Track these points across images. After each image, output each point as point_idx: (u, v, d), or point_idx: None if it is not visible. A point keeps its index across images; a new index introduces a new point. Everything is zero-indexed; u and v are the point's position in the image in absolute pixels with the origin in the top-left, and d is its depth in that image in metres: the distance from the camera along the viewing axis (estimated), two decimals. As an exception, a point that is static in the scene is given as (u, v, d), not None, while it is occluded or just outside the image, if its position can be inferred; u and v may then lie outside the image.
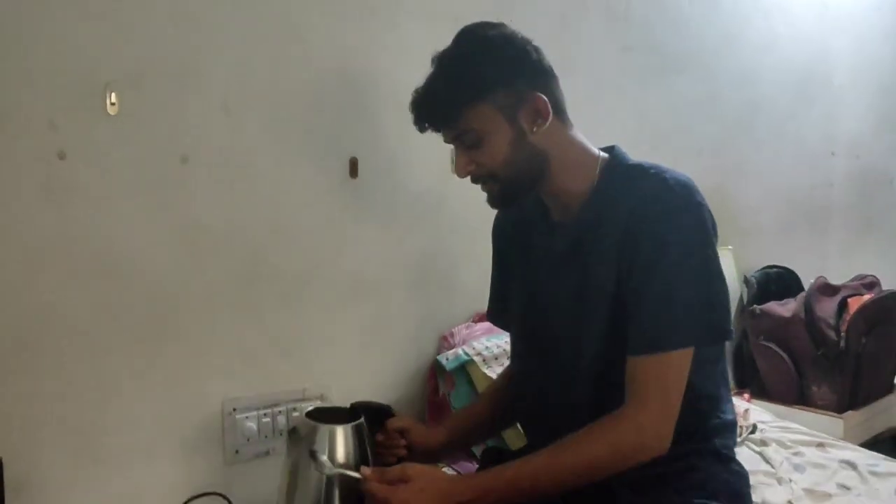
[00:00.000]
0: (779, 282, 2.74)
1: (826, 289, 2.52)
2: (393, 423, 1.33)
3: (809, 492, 1.67)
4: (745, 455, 1.80)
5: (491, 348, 1.74)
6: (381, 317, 1.77)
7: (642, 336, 1.11)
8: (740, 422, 1.93)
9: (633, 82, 2.32)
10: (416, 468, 1.12)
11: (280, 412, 1.60)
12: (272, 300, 1.59)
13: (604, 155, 1.24)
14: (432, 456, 1.36)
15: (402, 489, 1.08)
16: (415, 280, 1.82)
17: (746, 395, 2.39)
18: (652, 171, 1.16)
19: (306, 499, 1.19)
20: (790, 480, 1.71)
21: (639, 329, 1.11)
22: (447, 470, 1.61)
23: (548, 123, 1.17)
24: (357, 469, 1.14)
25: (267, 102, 1.55)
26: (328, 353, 1.68)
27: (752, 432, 1.99)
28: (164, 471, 1.48)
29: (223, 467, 1.55)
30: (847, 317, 2.39)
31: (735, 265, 2.68)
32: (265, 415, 1.58)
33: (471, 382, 1.74)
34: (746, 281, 2.69)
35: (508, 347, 1.46)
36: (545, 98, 1.16)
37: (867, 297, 2.46)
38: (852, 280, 2.68)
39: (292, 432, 1.25)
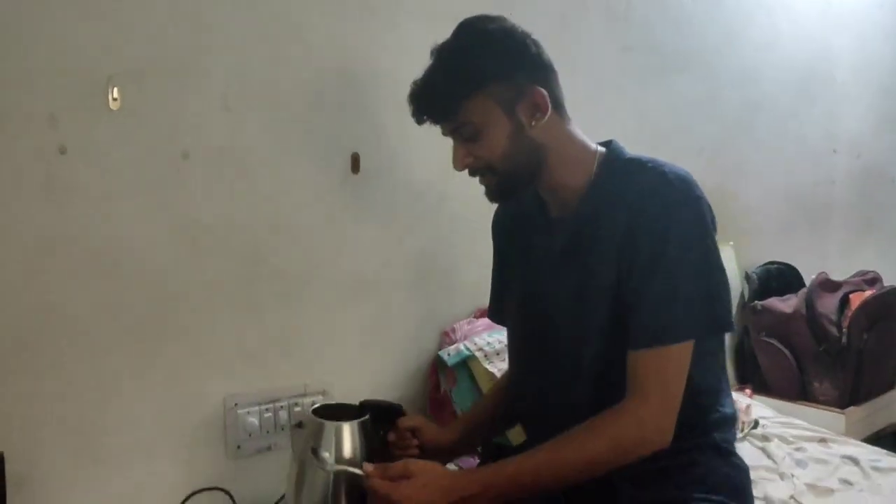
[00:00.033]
0: (780, 278, 2.74)
1: (827, 285, 2.52)
2: (404, 423, 1.33)
3: (812, 487, 1.67)
4: (746, 450, 1.81)
5: (493, 343, 1.74)
6: (382, 313, 1.77)
7: (643, 330, 1.11)
8: (742, 417, 1.93)
9: (634, 82, 2.32)
10: (418, 464, 1.12)
11: (282, 407, 1.60)
12: (273, 297, 1.59)
13: (601, 149, 1.24)
14: (443, 454, 1.36)
15: (404, 485, 1.08)
16: (416, 277, 1.82)
17: (748, 391, 2.38)
18: (650, 165, 1.16)
19: (314, 493, 1.20)
20: (792, 476, 1.72)
21: (639, 323, 1.11)
22: (449, 465, 1.61)
23: (546, 117, 1.17)
24: (362, 466, 1.15)
25: (268, 99, 1.55)
26: (329, 350, 1.69)
27: (754, 428, 1.99)
28: (165, 467, 1.48)
29: (225, 463, 1.55)
30: (849, 313, 2.39)
31: (736, 261, 2.67)
32: (267, 410, 1.58)
33: (472, 378, 1.74)
34: (747, 277, 2.69)
35: (509, 345, 1.46)
36: (544, 92, 1.16)
37: (869, 292, 2.46)
38: (854, 276, 2.68)
39: (298, 427, 1.25)
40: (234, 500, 1.51)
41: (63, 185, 1.33)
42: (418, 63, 1.20)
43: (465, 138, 1.18)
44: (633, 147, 1.25)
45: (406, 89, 1.21)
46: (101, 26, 1.34)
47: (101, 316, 1.38)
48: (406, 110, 1.20)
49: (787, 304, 2.50)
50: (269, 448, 1.59)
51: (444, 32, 1.20)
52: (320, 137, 1.64)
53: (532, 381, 1.31)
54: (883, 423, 2.48)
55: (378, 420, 1.27)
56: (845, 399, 2.37)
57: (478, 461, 1.55)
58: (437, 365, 1.81)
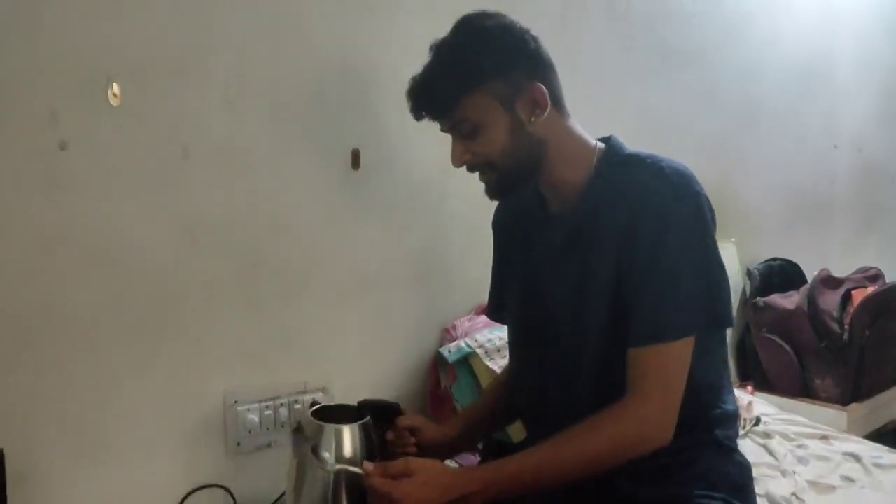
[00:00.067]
0: (781, 274, 2.74)
1: (829, 281, 2.52)
2: (403, 422, 1.33)
3: (813, 484, 1.67)
4: (748, 447, 1.80)
5: (493, 340, 1.74)
6: (383, 310, 1.77)
7: (643, 327, 1.11)
8: (744, 414, 1.93)
9: (634, 80, 2.31)
10: (419, 462, 1.12)
11: (282, 404, 1.60)
12: (273, 294, 1.59)
13: (601, 145, 1.24)
14: (442, 453, 1.35)
15: (404, 483, 1.08)
16: (416, 274, 1.82)
17: (750, 388, 2.38)
18: (648, 160, 1.16)
19: (314, 492, 1.19)
20: (794, 473, 1.71)
21: (640, 320, 1.11)
22: (449, 462, 1.61)
23: (546, 113, 1.16)
24: (362, 465, 1.14)
25: (268, 97, 1.55)
26: (330, 347, 1.68)
27: (756, 424, 1.98)
28: (165, 464, 1.48)
29: (225, 460, 1.55)
30: (850, 309, 2.39)
31: (738, 258, 2.67)
32: (267, 407, 1.58)
33: (473, 375, 1.73)
34: (749, 273, 2.69)
35: (510, 342, 1.46)
36: (543, 88, 1.16)
37: (871, 289, 2.46)
38: (856, 272, 2.67)
39: (297, 430, 1.25)
40: (234, 498, 1.51)
41: (63, 183, 1.32)
42: (418, 60, 1.19)
43: (464, 135, 1.18)
44: (634, 145, 1.25)
45: (406, 86, 1.20)
46: (102, 23, 1.34)
47: (101, 313, 1.38)
48: (406, 108, 1.20)
49: (788, 300, 2.49)
50: (269, 445, 1.59)
51: (443, 29, 1.20)
52: (321, 135, 1.63)
53: (532, 378, 1.31)
54: (885, 419, 2.48)
55: (376, 419, 1.27)
56: (847, 396, 2.37)
57: (479, 459, 1.55)
58: (438, 362, 1.80)
